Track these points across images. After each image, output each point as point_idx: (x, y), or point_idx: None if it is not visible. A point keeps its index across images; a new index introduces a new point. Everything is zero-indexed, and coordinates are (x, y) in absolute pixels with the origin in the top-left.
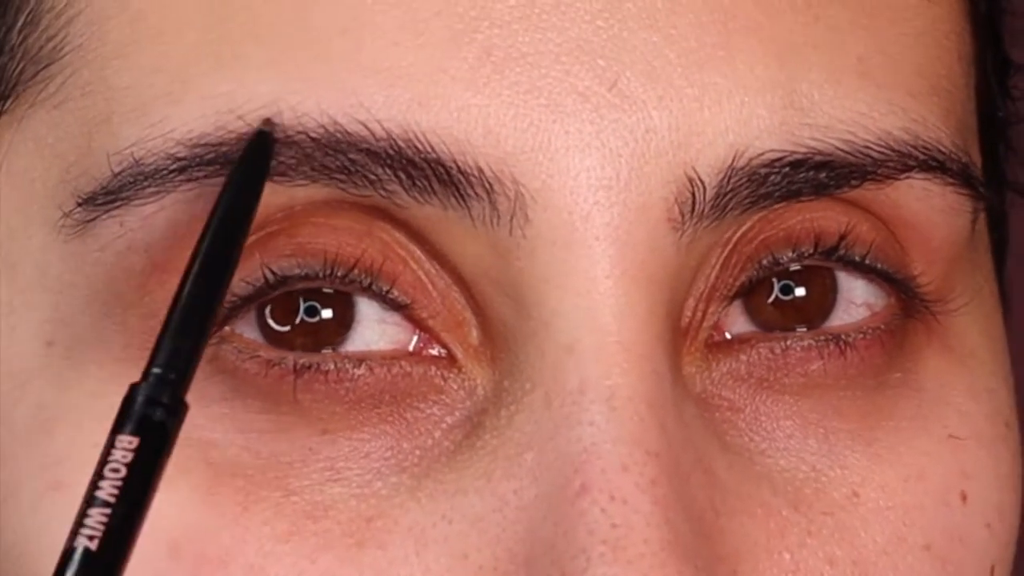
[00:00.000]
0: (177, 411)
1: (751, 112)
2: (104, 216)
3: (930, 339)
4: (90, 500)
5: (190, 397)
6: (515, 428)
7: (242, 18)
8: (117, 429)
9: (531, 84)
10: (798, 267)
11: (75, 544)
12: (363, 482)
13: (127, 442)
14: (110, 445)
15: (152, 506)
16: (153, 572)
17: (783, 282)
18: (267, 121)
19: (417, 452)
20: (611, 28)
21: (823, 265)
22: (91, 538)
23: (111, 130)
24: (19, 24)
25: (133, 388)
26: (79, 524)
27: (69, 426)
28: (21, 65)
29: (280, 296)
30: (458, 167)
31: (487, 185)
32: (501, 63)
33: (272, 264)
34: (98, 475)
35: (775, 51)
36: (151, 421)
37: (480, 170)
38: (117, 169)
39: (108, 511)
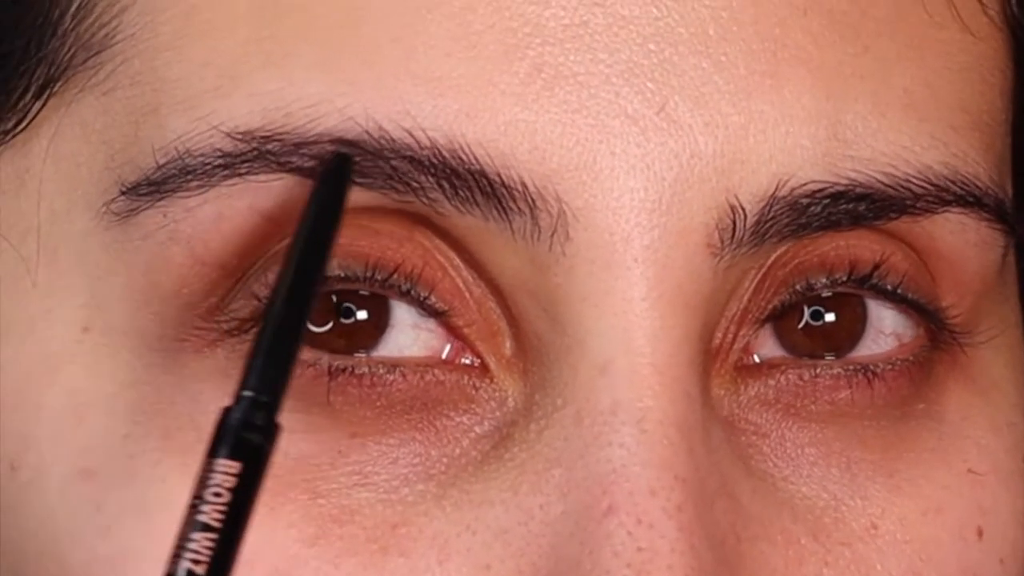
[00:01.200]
0: (272, 434)
1: (795, 142)
2: (147, 206)
3: (954, 370)
4: (192, 524)
5: (221, 394)
6: (544, 443)
7: (294, 18)
8: (214, 452)
9: (580, 103)
10: (829, 294)
11: (178, 568)
12: (390, 488)
13: (228, 466)
14: (209, 468)
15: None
16: None
17: (813, 308)
18: (343, 142)
19: (444, 460)
20: (662, 52)
21: (854, 293)
22: (196, 562)
23: (158, 121)
24: (72, 9)
25: (227, 411)
26: (181, 548)
27: (101, 414)
28: (72, 50)
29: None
30: (502, 180)
31: (530, 200)
32: (551, 80)
33: None
34: (199, 498)
35: (823, 81)
36: (250, 445)
37: (524, 185)
38: (162, 160)
39: (213, 536)
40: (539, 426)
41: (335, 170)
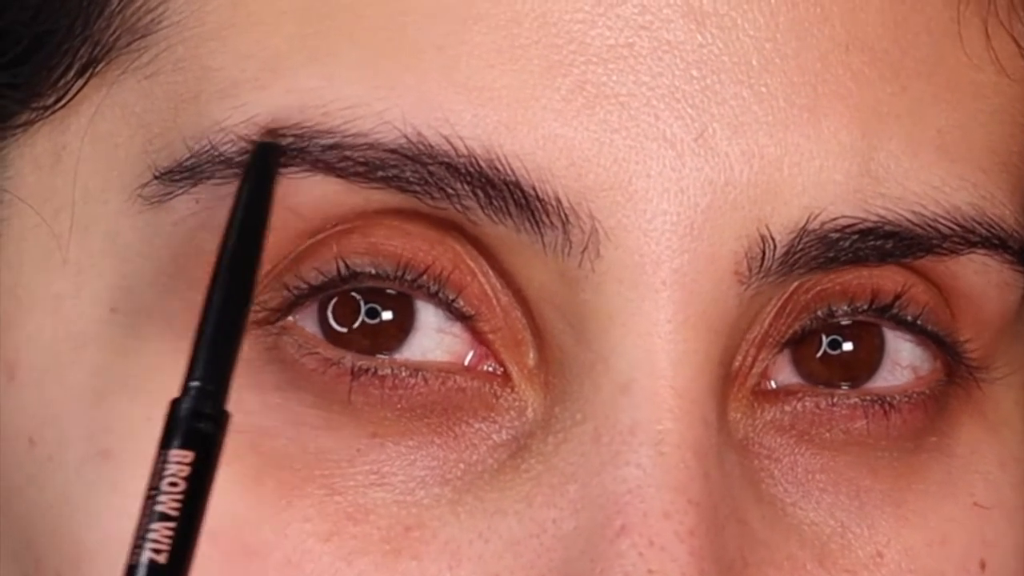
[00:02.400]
0: (221, 422)
1: (829, 177)
2: (180, 192)
3: (967, 405)
4: (150, 514)
5: (245, 383)
6: (561, 457)
7: (340, 18)
8: (166, 444)
9: (619, 123)
10: (848, 322)
11: (140, 559)
12: (406, 489)
13: (181, 456)
14: (163, 460)
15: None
16: None
17: (831, 337)
18: (271, 132)
19: (461, 466)
20: (704, 79)
21: (874, 322)
22: (157, 552)
23: (197, 109)
24: None
25: (176, 402)
26: (142, 539)
27: (123, 395)
28: (117, 33)
29: (342, 296)
30: (537, 194)
31: (563, 215)
32: (592, 99)
33: (347, 258)
34: (155, 489)
35: (860, 118)
36: (200, 433)
37: (558, 200)
38: (196, 148)
39: (172, 524)
40: (557, 439)
41: (263, 157)
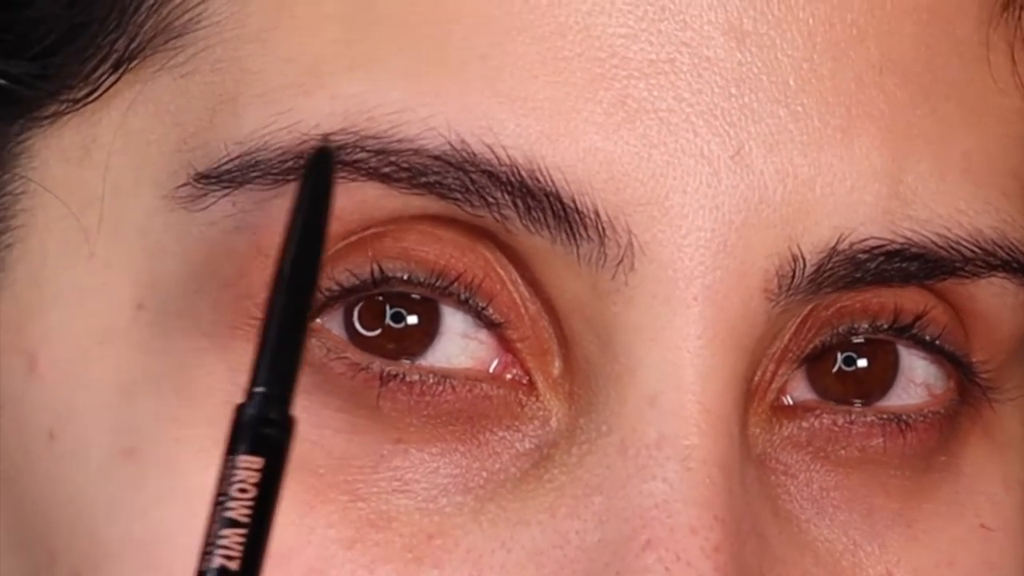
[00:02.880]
0: (288, 427)
1: (859, 198)
2: (217, 195)
3: (976, 425)
4: (220, 520)
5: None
6: (585, 469)
7: (385, 25)
8: (233, 449)
9: (659, 138)
10: (862, 340)
11: (211, 565)
12: (429, 497)
13: (250, 462)
14: (232, 465)
15: None
16: None
17: (846, 353)
18: (326, 137)
19: (484, 474)
20: (742, 97)
21: (892, 340)
22: (229, 558)
23: (235, 110)
24: None
25: (242, 408)
26: (212, 544)
27: (148, 394)
28: (154, 30)
29: (368, 299)
30: (576, 206)
31: (600, 229)
32: (633, 113)
33: (381, 262)
34: (224, 495)
35: (891, 140)
36: (268, 439)
37: (596, 213)
38: (236, 152)
39: (243, 531)
40: (581, 451)
41: (320, 161)
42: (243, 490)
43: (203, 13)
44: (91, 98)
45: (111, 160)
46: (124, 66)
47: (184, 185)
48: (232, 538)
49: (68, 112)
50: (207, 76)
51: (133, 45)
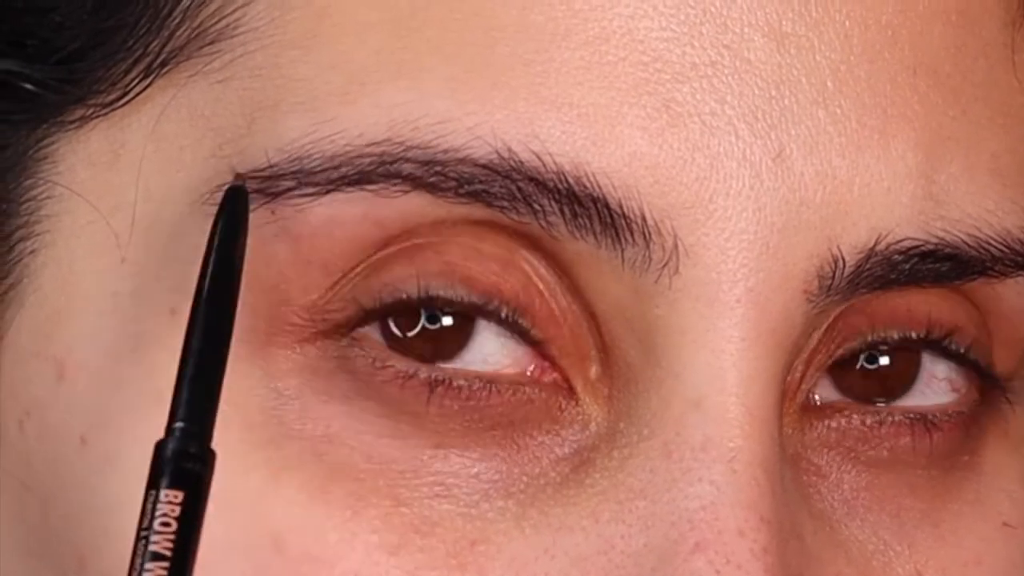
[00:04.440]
0: (207, 461)
1: (896, 199)
2: (256, 201)
3: (992, 424)
4: (144, 554)
5: (311, 390)
6: (628, 473)
7: (428, 33)
8: (155, 484)
9: (702, 142)
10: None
11: None
12: (471, 502)
13: (172, 496)
14: (154, 500)
15: (258, 498)
16: (254, 564)
17: (868, 352)
18: (238, 176)
19: (524, 479)
20: (783, 99)
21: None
22: None
23: (276, 117)
24: None
25: (162, 444)
26: None
27: None
28: (187, 36)
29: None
30: (622, 211)
31: (646, 233)
32: (677, 117)
33: (425, 281)
34: (147, 529)
35: (925, 141)
36: (189, 473)
37: (643, 217)
38: (277, 159)
39: (166, 564)
40: (622, 454)
41: (234, 196)
42: (166, 524)
43: (241, 19)
44: (120, 103)
45: (142, 165)
46: (156, 71)
47: (220, 191)
48: (156, 572)
49: (95, 117)
50: (245, 82)
51: (166, 50)
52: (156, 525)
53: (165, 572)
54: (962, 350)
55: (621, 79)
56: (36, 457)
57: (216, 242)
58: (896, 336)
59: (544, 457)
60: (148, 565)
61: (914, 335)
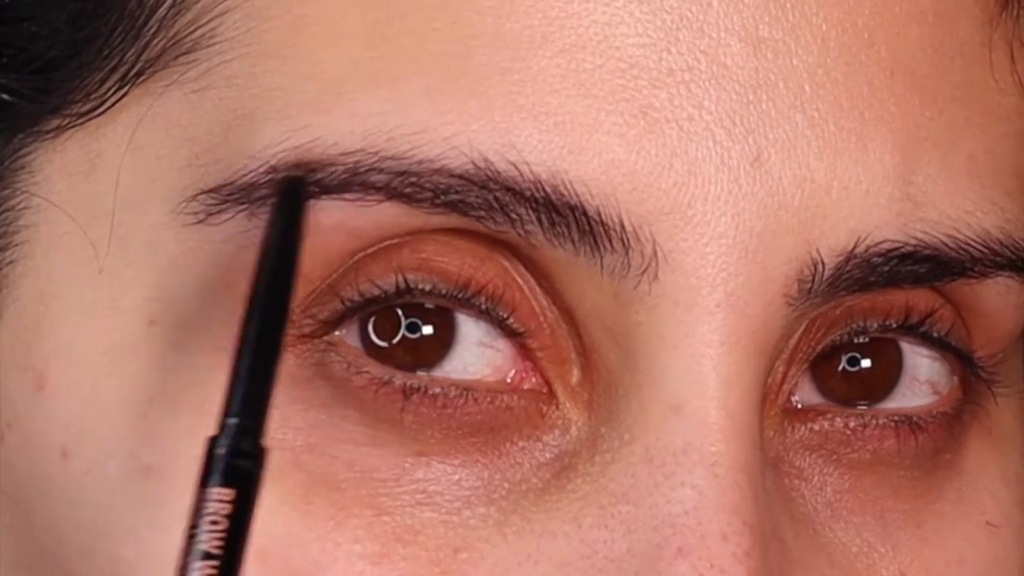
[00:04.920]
0: (260, 458)
1: (874, 201)
2: (232, 210)
3: (975, 422)
4: (192, 553)
5: (289, 399)
6: (609, 478)
7: (404, 42)
8: (206, 481)
9: (680, 147)
10: (866, 340)
11: None
12: (452, 509)
13: (222, 494)
14: (204, 498)
15: None
16: None
17: (850, 354)
18: (296, 166)
19: (506, 485)
20: (760, 104)
21: (899, 338)
22: None
23: (252, 126)
24: (164, 6)
25: (214, 440)
26: None
27: (164, 410)
28: (163, 46)
29: (384, 310)
30: (600, 219)
31: (625, 240)
32: (654, 123)
33: (405, 274)
34: (196, 527)
35: (902, 143)
36: (241, 471)
37: (621, 224)
38: (253, 166)
39: (215, 563)
40: (604, 459)
41: (293, 190)
42: (215, 522)
43: (217, 28)
44: (96, 113)
45: (119, 175)
46: (132, 81)
47: (195, 199)
48: (204, 570)
49: (72, 126)
50: (221, 91)
51: (142, 60)
52: (205, 523)
53: (214, 571)
54: (943, 334)
55: (598, 86)
56: (19, 469)
57: (272, 234)
58: (876, 324)
59: (525, 463)
60: (196, 563)
61: (893, 323)
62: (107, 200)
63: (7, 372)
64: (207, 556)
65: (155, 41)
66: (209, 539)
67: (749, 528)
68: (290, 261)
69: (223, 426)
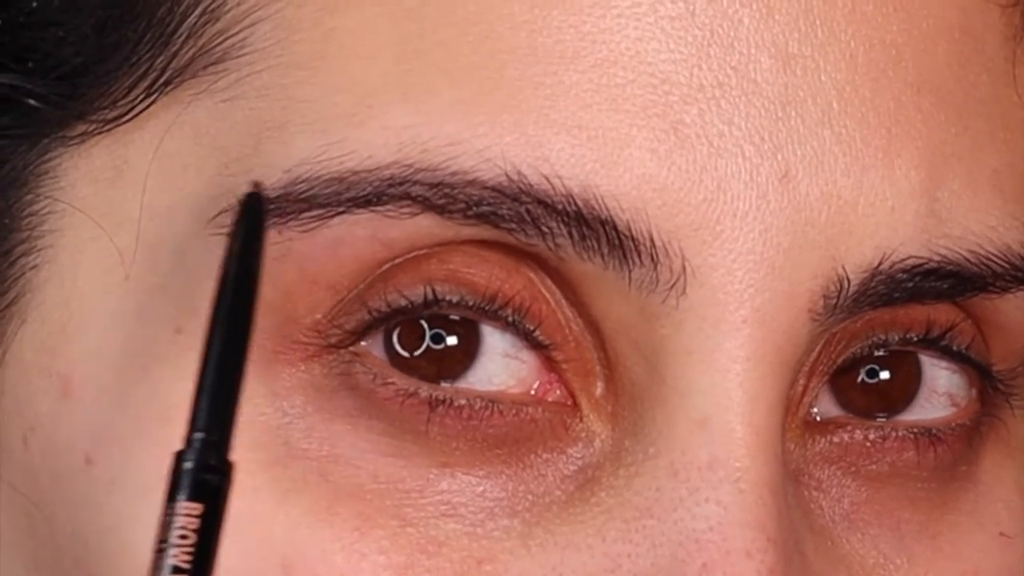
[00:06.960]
0: (227, 473)
1: (900, 217)
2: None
3: (991, 433)
4: (162, 567)
5: (314, 409)
6: (634, 491)
7: (437, 55)
8: (173, 496)
9: (710, 163)
10: (884, 352)
11: None
12: (476, 521)
13: (190, 508)
14: (172, 512)
15: (265, 520)
16: None
17: (868, 367)
18: (256, 184)
19: (529, 497)
20: (789, 120)
21: (918, 351)
22: None
23: (284, 138)
24: (195, 15)
25: (181, 454)
26: None
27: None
28: (193, 55)
29: (408, 321)
30: (631, 233)
31: (654, 254)
32: (685, 139)
33: (434, 285)
34: (165, 542)
35: (927, 159)
36: (208, 486)
37: (651, 239)
38: (285, 180)
39: None
40: (628, 472)
41: (252, 206)
42: (184, 536)
43: (247, 39)
44: (123, 120)
45: (146, 183)
46: (160, 89)
47: (227, 210)
48: None
49: (98, 133)
50: (252, 102)
51: (171, 68)
52: (174, 538)
53: None
54: (963, 348)
55: (629, 101)
56: (41, 474)
57: (234, 250)
58: (896, 338)
59: (549, 475)
60: None
61: (914, 337)
62: (133, 207)
63: (31, 376)
64: (177, 570)
65: (184, 50)
66: (178, 553)
67: (773, 544)
68: (252, 276)
69: (190, 441)
